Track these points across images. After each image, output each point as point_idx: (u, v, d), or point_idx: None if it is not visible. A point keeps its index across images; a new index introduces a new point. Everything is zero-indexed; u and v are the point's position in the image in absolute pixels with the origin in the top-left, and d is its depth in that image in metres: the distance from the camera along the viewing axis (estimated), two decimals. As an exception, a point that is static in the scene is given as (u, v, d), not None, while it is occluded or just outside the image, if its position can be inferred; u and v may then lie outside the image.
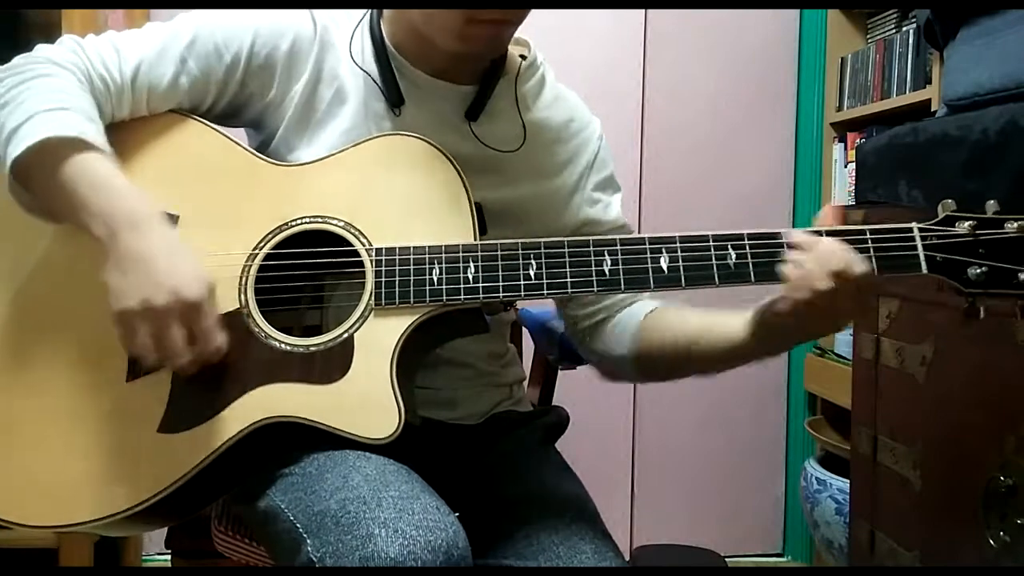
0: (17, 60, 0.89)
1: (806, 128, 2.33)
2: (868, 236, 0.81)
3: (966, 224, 0.80)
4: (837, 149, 2.25)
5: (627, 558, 1.40)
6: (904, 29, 2.07)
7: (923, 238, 0.81)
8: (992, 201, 0.80)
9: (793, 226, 2.54)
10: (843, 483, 1.91)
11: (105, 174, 0.83)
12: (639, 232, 0.84)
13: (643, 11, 2.25)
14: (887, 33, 2.15)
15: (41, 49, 0.91)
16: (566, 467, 1.05)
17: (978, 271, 0.79)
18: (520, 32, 0.97)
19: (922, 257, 0.80)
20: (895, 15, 2.13)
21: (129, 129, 0.92)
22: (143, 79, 0.91)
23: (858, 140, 2.12)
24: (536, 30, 1.03)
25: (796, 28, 2.33)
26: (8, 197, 0.87)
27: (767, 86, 2.32)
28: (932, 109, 1.84)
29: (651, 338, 0.99)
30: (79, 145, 0.82)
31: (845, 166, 2.21)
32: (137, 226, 0.81)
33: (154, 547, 2.14)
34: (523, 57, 1.03)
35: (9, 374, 0.88)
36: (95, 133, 0.84)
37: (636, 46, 2.26)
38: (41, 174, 0.83)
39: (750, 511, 2.37)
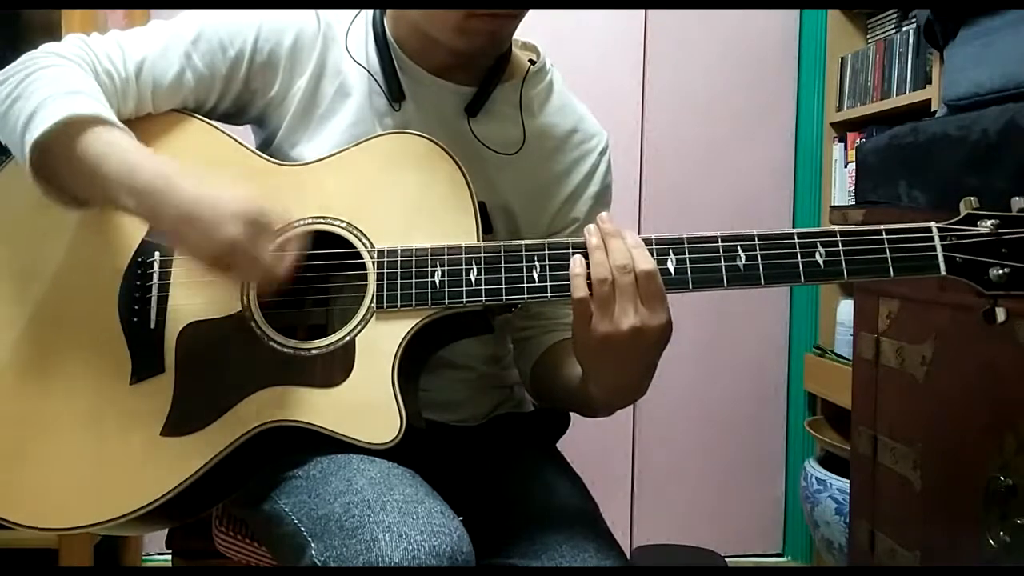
0: (23, 57, 0.89)
1: (806, 128, 2.33)
2: (884, 236, 0.79)
3: (988, 223, 0.77)
4: (837, 149, 2.26)
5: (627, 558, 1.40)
6: (904, 29, 2.07)
7: (942, 238, 0.78)
8: (1018, 198, 0.77)
9: (793, 226, 2.54)
10: (843, 483, 1.91)
11: (127, 147, 0.83)
12: (639, 233, 0.82)
13: (643, 11, 2.25)
14: (887, 33, 2.15)
15: (46, 46, 0.91)
16: (567, 467, 1.05)
17: (1000, 272, 0.76)
18: (521, 33, 0.97)
19: (941, 258, 0.78)
20: (895, 15, 2.13)
21: (133, 129, 0.92)
22: (147, 75, 0.91)
23: (858, 140, 2.12)
24: (536, 30, 1.03)
25: (796, 28, 2.33)
26: (15, 201, 0.87)
27: (767, 86, 2.32)
28: (932, 109, 1.84)
29: (544, 368, 1.01)
30: (96, 122, 0.82)
31: (845, 166, 2.21)
32: (173, 181, 0.80)
33: (154, 547, 2.14)
34: (532, 62, 1.03)
35: (14, 377, 0.88)
36: (109, 112, 0.84)
37: (636, 46, 2.26)
38: (61, 156, 0.82)
39: (750, 511, 2.37)
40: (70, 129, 0.81)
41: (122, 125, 0.85)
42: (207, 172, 0.82)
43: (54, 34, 1.74)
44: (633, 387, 0.85)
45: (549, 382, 1.00)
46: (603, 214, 0.82)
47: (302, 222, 0.89)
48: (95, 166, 0.81)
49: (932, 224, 0.79)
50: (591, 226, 0.81)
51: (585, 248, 0.81)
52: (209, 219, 0.78)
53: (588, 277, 0.79)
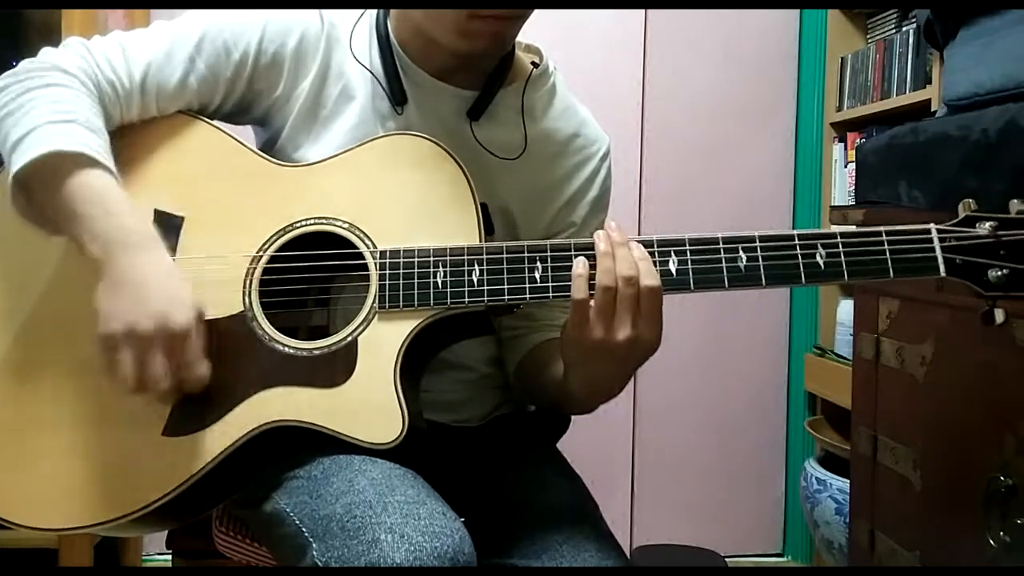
0: (24, 65, 0.89)
1: (806, 128, 2.33)
2: (884, 237, 0.79)
3: (987, 225, 0.77)
4: (837, 149, 2.26)
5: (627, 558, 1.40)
6: (904, 29, 2.07)
7: (941, 239, 0.79)
8: (1016, 200, 0.77)
9: (793, 226, 2.54)
10: (843, 483, 1.91)
11: (104, 192, 0.82)
12: (639, 233, 0.82)
13: (643, 11, 2.25)
14: (887, 33, 2.15)
15: (48, 54, 0.90)
16: (568, 467, 1.05)
17: (999, 273, 0.76)
18: (521, 32, 0.97)
19: (940, 259, 0.78)
20: (895, 15, 2.13)
21: (136, 131, 0.92)
22: (152, 81, 0.91)
23: (858, 140, 2.12)
24: (536, 30, 1.03)
25: (796, 28, 2.33)
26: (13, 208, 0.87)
27: (767, 86, 2.32)
28: (932, 109, 1.84)
29: (531, 364, 1.01)
30: (82, 160, 0.82)
31: (845, 166, 2.21)
32: (131, 248, 0.81)
33: (154, 547, 2.14)
34: (535, 65, 1.03)
35: (16, 379, 0.88)
36: (99, 147, 0.84)
37: (636, 46, 2.26)
38: (42, 187, 0.82)
39: (750, 511, 2.37)
40: (52, 163, 0.81)
41: (109, 163, 0.84)
42: (187, 239, 0.83)
43: (54, 34, 1.74)
44: (611, 389, 0.88)
45: (534, 379, 1.00)
46: (612, 223, 0.82)
47: (304, 223, 0.90)
48: (68, 205, 0.81)
49: (931, 226, 0.79)
50: (600, 232, 0.81)
51: (587, 249, 0.82)
52: (137, 298, 0.78)
53: (591, 279, 0.79)
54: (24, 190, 0.84)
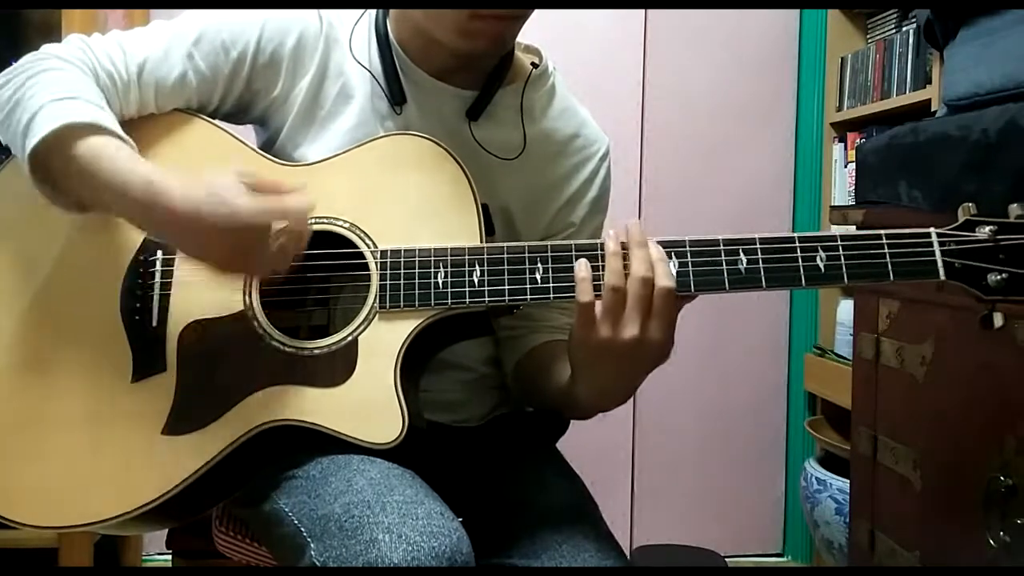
0: (24, 59, 0.89)
1: (806, 128, 2.33)
2: (884, 241, 0.79)
3: (987, 229, 0.77)
4: (837, 149, 2.26)
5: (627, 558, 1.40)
6: (904, 29, 2.07)
7: (941, 243, 0.78)
8: (1015, 204, 0.77)
9: (793, 227, 2.52)
10: (843, 483, 1.91)
11: (122, 155, 0.82)
12: (639, 233, 0.82)
13: (643, 11, 2.25)
14: (887, 33, 2.15)
15: (47, 47, 0.91)
16: (567, 467, 1.05)
17: (998, 277, 0.76)
18: (522, 33, 0.97)
19: (940, 263, 0.78)
20: (895, 15, 2.13)
21: (135, 129, 0.92)
22: (149, 76, 0.91)
23: (858, 140, 2.12)
24: (536, 30, 1.03)
25: (796, 28, 2.33)
26: (17, 199, 0.87)
27: (767, 86, 2.32)
28: (932, 109, 1.84)
29: (530, 365, 1.01)
30: (92, 129, 0.82)
31: (845, 166, 2.21)
32: (161, 190, 0.78)
33: (154, 547, 2.14)
34: (535, 65, 1.03)
35: (15, 375, 0.88)
36: (107, 119, 0.84)
37: (636, 46, 2.26)
38: (59, 162, 0.82)
39: (750, 511, 2.37)
40: (67, 136, 0.81)
41: (120, 132, 0.84)
42: (198, 172, 0.80)
43: (54, 34, 1.74)
44: (620, 393, 0.87)
45: (532, 380, 1.00)
46: (633, 220, 0.82)
47: (304, 222, 0.89)
48: (90, 174, 0.81)
49: (931, 229, 0.79)
50: (611, 231, 0.81)
51: (588, 250, 0.82)
52: (201, 228, 0.78)
53: (595, 280, 0.79)
54: (41, 171, 0.83)
